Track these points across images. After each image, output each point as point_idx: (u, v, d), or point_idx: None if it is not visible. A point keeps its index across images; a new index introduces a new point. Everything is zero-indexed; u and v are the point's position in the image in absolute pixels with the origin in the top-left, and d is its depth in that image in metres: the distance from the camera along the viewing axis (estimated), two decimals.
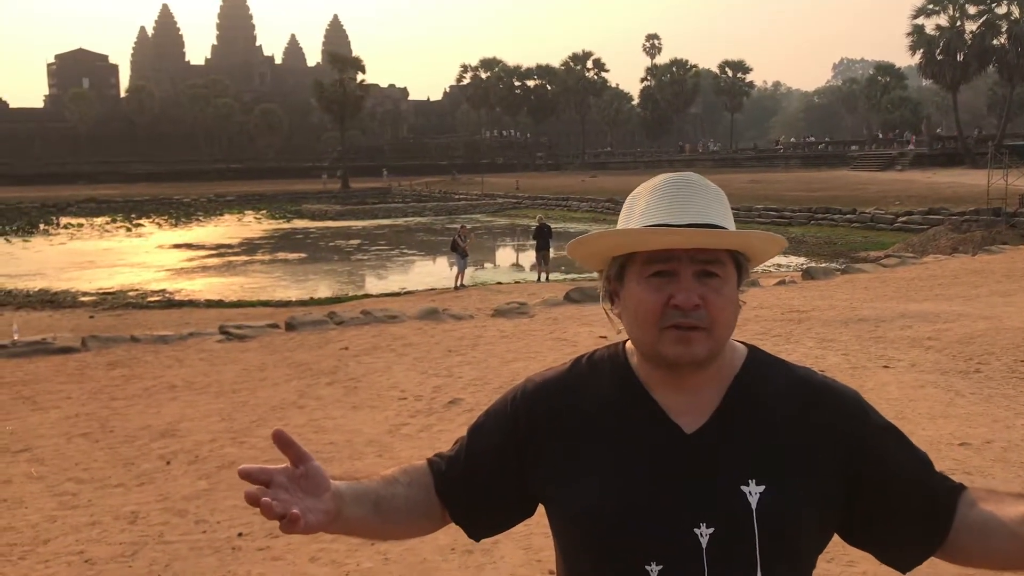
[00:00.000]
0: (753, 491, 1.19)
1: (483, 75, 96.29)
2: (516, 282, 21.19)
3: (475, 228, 29.58)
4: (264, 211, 50.88)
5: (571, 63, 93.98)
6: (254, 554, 4.46)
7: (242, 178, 77.17)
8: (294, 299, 18.77)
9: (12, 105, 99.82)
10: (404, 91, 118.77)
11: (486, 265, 26.59)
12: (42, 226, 42.35)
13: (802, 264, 20.82)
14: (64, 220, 45.34)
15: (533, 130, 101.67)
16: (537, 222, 22.20)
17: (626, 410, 1.27)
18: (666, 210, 1.21)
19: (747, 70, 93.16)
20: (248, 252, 31.28)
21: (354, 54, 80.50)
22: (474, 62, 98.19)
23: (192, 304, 18.34)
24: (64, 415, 7.18)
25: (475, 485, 1.36)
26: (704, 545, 1.18)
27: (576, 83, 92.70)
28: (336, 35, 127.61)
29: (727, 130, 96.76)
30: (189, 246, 33.17)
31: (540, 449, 1.30)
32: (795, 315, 11.11)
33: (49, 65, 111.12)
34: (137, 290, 21.19)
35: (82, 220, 45.23)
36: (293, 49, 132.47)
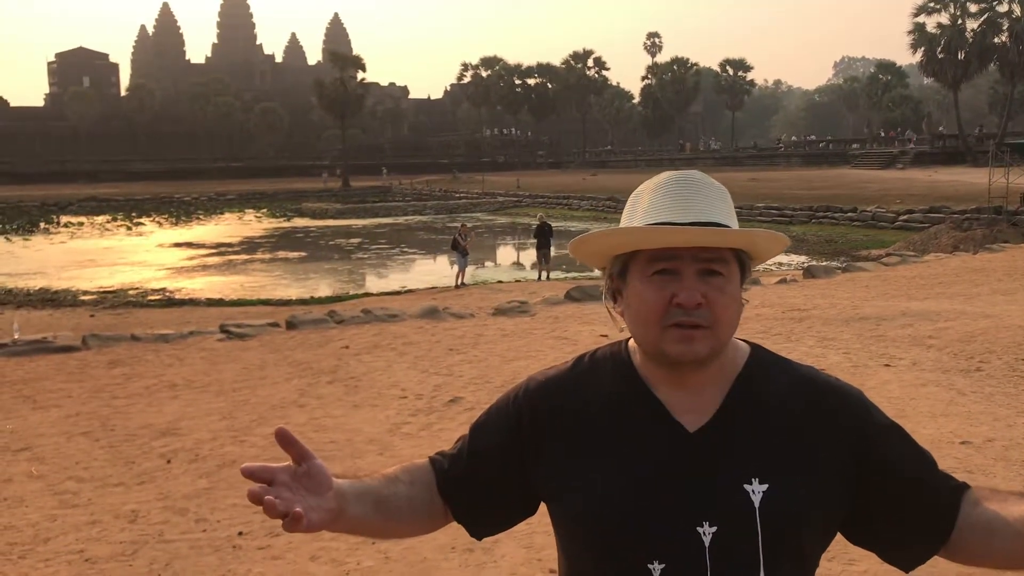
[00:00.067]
0: (756, 490, 1.18)
1: (484, 73, 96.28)
2: (517, 281, 21.19)
3: (476, 227, 29.61)
4: (264, 210, 50.86)
5: (572, 61, 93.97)
6: (254, 553, 4.46)
7: (242, 177, 77.16)
8: (294, 298, 18.77)
9: (12, 104, 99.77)
10: (405, 89, 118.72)
11: (487, 264, 26.58)
12: (42, 225, 42.35)
13: (803, 263, 20.81)
14: (64, 219, 45.34)
15: (534, 128, 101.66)
16: (538, 221, 22.20)
17: (629, 408, 1.26)
18: (669, 208, 1.21)
19: (748, 68, 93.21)
20: (248, 251, 31.28)
21: (355, 52, 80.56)
22: (475, 60, 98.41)
23: (192, 303, 18.34)
24: (65, 414, 7.18)
25: (477, 483, 1.36)
26: (707, 544, 1.17)
27: (577, 81, 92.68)
28: (337, 33, 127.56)
29: (728, 128, 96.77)
30: (189, 245, 33.16)
31: (542, 447, 1.30)
32: (796, 314, 11.10)
33: (49, 64, 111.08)
34: (138, 289, 21.19)
35: (82, 219, 45.24)
36: (294, 47, 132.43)
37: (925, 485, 1.25)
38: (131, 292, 20.56)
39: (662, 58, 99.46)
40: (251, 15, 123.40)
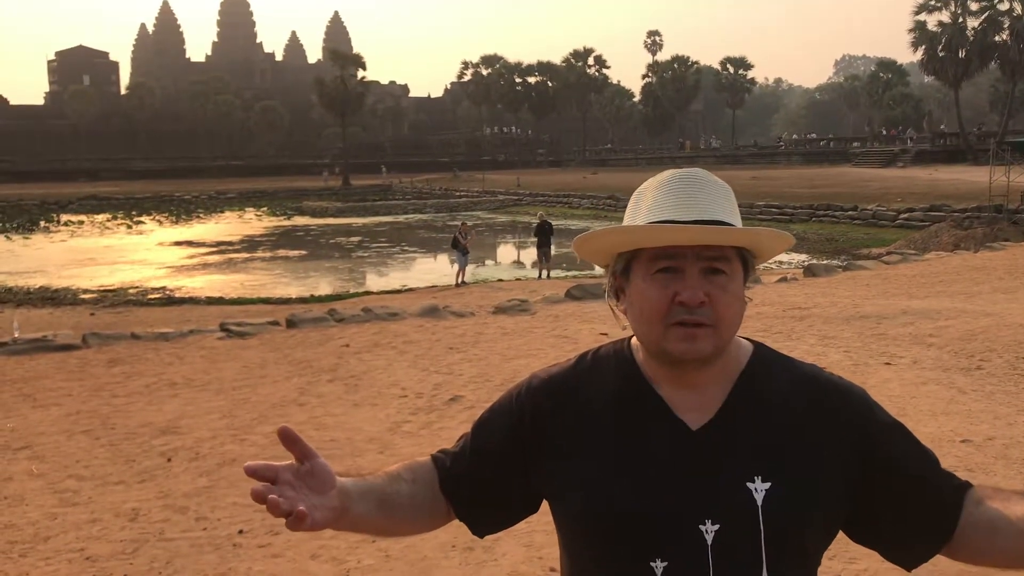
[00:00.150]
0: (759, 488, 1.18)
1: (484, 72, 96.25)
2: (517, 279, 21.19)
3: (476, 225, 29.55)
4: (265, 208, 50.84)
5: (572, 60, 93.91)
6: (255, 551, 4.46)
7: (243, 175, 77.13)
8: (295, 296, 18.78)
9: (13, 102, 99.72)
10: (405, 88, 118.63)
11: (487, 262, 26.58)
12: (43, 223, 42.34)
13: (804, 261, 20.81)
14: (65, 217, 45.34)
15: (534, 127, 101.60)
16: (538, 219, 22.21)
17: (631, 406, 1.26)
18: (672, 206, 1.21)
19: (748, 67, 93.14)
20: (249, 249, 31.28)
21: (355, 51, 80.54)
22: (475, 59, 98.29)
23: (193, 301, 18.35)
24: (65, 412, 7.18)
25: (479, 481, 1.35)
26: (709, 542, 1.17)
27: (577, 80, 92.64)
28: (337, 32, 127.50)
29: (729, 127, 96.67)
30: (190, 243, 33.16)
31: (544, 445, 1.29)
32: (797, 312, 11.10)
33: (50, 62, 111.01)
34: (138, 287, 21.19)
35: (83, 217, 45.24)
36: (294, 46, 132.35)
37: (928, 483, 1.25)
38: (131, 291, 20.56)
39: (663, 56, 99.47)
40: (251, 13, 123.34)
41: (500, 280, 20.79)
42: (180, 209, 50.35)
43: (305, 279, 23.53)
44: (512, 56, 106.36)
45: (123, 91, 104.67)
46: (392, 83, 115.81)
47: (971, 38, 55.90)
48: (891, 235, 26.33)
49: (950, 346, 8.80)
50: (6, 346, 9.71)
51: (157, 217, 45.89)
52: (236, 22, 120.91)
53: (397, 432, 6.49)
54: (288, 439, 1.19)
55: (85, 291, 20.45)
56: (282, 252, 30.46)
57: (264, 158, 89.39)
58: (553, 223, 22.51)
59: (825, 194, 34.54)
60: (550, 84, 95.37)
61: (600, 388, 1.29)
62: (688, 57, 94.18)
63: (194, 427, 6.67)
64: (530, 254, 24.96)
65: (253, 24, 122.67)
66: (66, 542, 4.64)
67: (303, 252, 30.45)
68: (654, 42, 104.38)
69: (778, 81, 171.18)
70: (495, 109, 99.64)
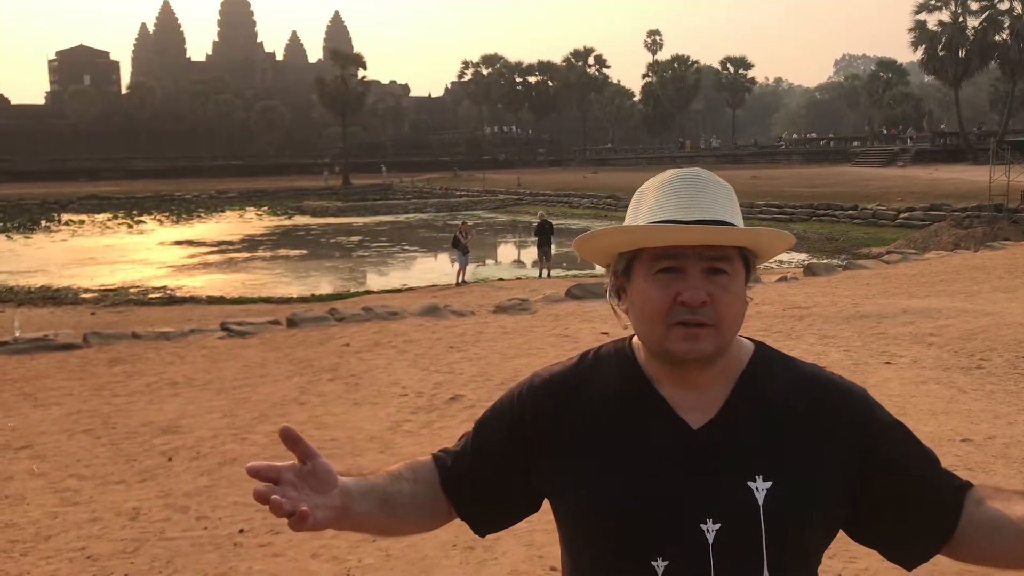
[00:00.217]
0: (760, 487, 1.18)
1: (484, 71, 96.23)
2: (517, 278, 21.18)
3: (476, 224, 29.55)
4: (266, 207, 50.82)
5: (572, 59, 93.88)
6: (255, 550, 4.46)
7: (243, 175, 77.08)
8: (295, 296, 18.78)
9: (13, 102, 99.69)
10: (405, 87, 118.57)
11: (487, 261, 26.58)
12: (44, 223, 42.32)
13: (804, 260, 20.80)
14: (66, 217, 45.30)
15: (534, 126, 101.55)
16: (538, 218, 22.22)
17: (632, 405, 1.26)
18: (674, 206, 1.21)
19: (749, 66, 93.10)
20: (249, 249, 31.27)
21: (355, 50, 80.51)
22: (475, 58, 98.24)
23: (193, 301, 18.35)
24: (66, 412, 7.18)
25: (481, 480, 1.36)
26: (710, 541, 1.17)
27: (577, 79, 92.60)
28: (337, 31, 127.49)
29: (729, 126, 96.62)
30: (190, 243, 33.15)
31: (545, 444, 1.30)
32: (797, 311, 11.10)
33: (50, 62, 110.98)
34: (138, 287, 21.19)
35: (83, 217, 45.22)
36: (294, 45, 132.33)
37: (928, 483, 1.25)
38: (132, 290, 20.56)
39: (663, 56, 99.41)
40: (252, 13, 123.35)
41: (500, 279, 20.80)
42: (181, 209, 50.32)
43: (306, 278, 23.53)
44: (512, 56, 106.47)
45: (124, 91, 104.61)
46: (393, 83, 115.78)
47: (971, 37, 55.91)
48: (891, 234, 26.32)
49: (950, 345, 8.81)
50: (7, 345, 9.72)
51: (158, 216, 45.86)
52: (237, 22, 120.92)
53: (397, 431, 6.49)
54: (290, 439, 1.19)
55: (86, 290, 20.45)
56: (283, 251, 30.46)
57: (265, 158, 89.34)
58: (553, 222, 22.51)
59: (825, 193, 34.53)
60: (550, 84, 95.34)
61: (601, 387, 1.29)
62: (688, 57, 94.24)
63: (195, 426, 6.67)
64: (530, 253, 24.96)
65: (254, 24, 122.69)
66: (67, 541, 4.64)
67: (304, 251, 30.45)
68: (654, 42, 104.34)
69: (778, 80, 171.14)
70: (495, 109, 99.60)
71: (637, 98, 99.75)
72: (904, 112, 75.03)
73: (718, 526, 1.18)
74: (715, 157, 72.54)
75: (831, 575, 3.89)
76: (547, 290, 14.59)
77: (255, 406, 7.25)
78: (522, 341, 9.79)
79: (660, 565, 1.18)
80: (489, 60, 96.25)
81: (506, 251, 31.15)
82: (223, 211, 49.80)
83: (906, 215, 28.15)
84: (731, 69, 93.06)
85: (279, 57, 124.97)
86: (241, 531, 4.68)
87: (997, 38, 55.60)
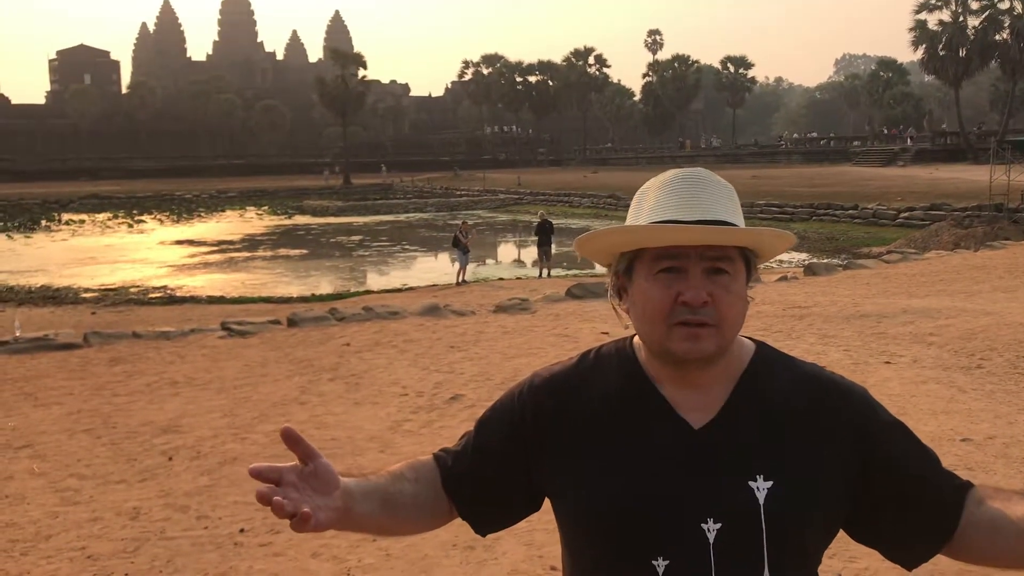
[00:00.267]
0: (761, 487, 1.19)
1: (485, 71, 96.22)
2: (518, 278, 21.19)
3: (477, 224, 29.56)
4: (266, 207, 50.80)
5: (573, 59, 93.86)
6: (256, 550, 4.47)
7: (244, 174, 77.08)
8: (296, 295, 18.78)
9: (14, 101, 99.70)
10: (406, 87, 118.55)
11: (488, 261, 26.58)
12: (44, 222, 42.31)
13: (804, 260, 20.80)
14: (66, 216, 45.28)
15: (535, 126, 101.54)
16: (539, 218, 22.23)
17: (634, 405, 1.26)
18: (675, 206, 1.21)
19: (749, 66, 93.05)
20: (250, 248, 31.27)
21: (356, 50, 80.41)
22: (476, 58, 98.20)
23: (194, 300, 18.35)
24: (66, 411, 7.19)
25: (482, 480, 1.36)
26: (711, 541, 1.18)
27: (578, 79, 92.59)
28: (338, 31, 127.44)
29: (729, 126, 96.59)
30: (191, 242, 33.15)
31: (546, 443, 1.30)
32: (797, 311, 11.10)
33: (51, 61, 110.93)
34: (139, 286, 21.19)
35: (84, 216, 45.21)
36: (295, 45, 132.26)
37: (929, 483, 1.25)
38: (132, 290, 20.56)
39: (663, 56, 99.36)
40: (252, 12, 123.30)
41: (501, 279, 20.80)
42: (181, 208, 50.31)
43: (306, 278, 23.53)
44: (513, 55, 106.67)
45: (124, 90, 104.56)
46: (393, 82, 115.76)
47: (971, 37, 55.89)
48: (891, 234, 26.32)
49: (950, 345, 8.81)
50: (7, 345, 9.72)
51: (158, 216, 45.85)
52: (237, 21, 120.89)
53: (398, 431, 6.49)
54: (291, 440, 1.19)
55: (86, 290, 20.45)
56: (283, 251, 30.46)
57: (265, 157, 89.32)
58: (553, 222, 22.51)
59: (825, 193, 34.52)
60: (551, 83, 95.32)
61: (602, 387, 1.29)
62: (688, 56, 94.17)
63: (195, 426, 6.68)
64: (531, 253, 24.96)
65: (254, 23, 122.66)
66: (67, 541, 4.64)
67: (304, 251, 30.45)
68: (654, 41, 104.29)
69: (778, 80, 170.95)
70: (496, 108, 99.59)
71: (637, 98, 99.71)
72: (904, 112, 75.02)
73: (719, 526, 1.18)
74: (715, 157, 72.50)
75: (831, 575, 3.89)
76: (547, 290, 14.60)
77: (255, 406, 7.25)
78: (522, 341, 9.79)
79: (661, 564, 1.18)
80: (489, 60, 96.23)
81: (506, 250, 31.15)
82: (223, 211, 49.79)
83: (906, 215, 28.16)
84: (731, 69, 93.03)
85: (279, 57, 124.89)
86: (242, 530, 4.68)
87: (997, 37, 55.57)
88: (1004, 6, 55.23)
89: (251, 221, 43.74)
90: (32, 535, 4.72)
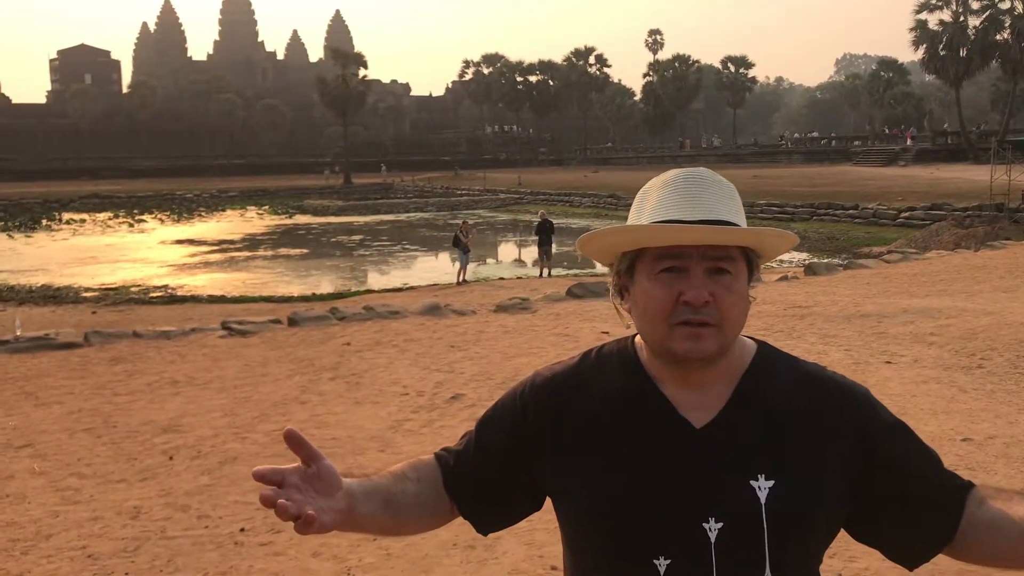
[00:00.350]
0: (762, 486, 1.18)
1: (485, 71, 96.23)
2: (518, 278, 21.20)
3: (477, 223, 29.58)
4: (266, 207, 50.81)
5: (573, 58, 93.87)
6: (256, 549, 4.47)
7: (244, 174, 77.07)
8: (296, 295, 18.80)
9: (14, 101, 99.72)
10: (406, 87, 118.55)
11: (488, 261, 26.59)
12: (45, 222, 42.33)
13: (805, 260, 20.79)
14: (67, 216, 45.30)
15: (535, 126, 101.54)
16: (539, 218, 22.22)
17: (635, 404, 1.26)
18: (677, 206, 1.21)
19: (749, 65, 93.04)
20: (250, 248, 31.29)
21: (356, 50, 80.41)
22: (476, 58, 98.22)
23: (194, 300, 18.36)
24: (67, 411, 7.19)
25: (483, 479, 1.36)
26: (712, 540, 1.18)
27: (578, 79, 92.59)
28: (338, 30, 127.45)
29: (729, 126, 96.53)
30: (191, 242, 33.16)
31: (548, 443, 1.30)
32: (797, 311, 11.10)
33: (51, 61, 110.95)
34: (139, 286, 21.21)
35: (84, 216, 45.23)
36: (295, 45, 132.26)
37: (930, 483, 1.25)
38: (133, 289, 20.58)
39: (663, 55, 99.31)
40: (253, 12, 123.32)
41: (501, 278, 20.81)
42: (182, 207, 50.31)
43: (307, 277, 23.55)
44: (513, 55, 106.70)
45: (125, 90, 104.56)
46: (393, 82, 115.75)
47: (972, 37, 55.84)
48: (892, 234, 26.31)
49: (951, 345, 8.80)
50: (8, 344, 9.72)
51: (159, 215, 45.86)
52: (238, 21, 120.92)
53: (398, 430, 6.49)
54: (294, 442, 1.19)
55: (87, 289, 20.46)
56: (284, 250, 30.46)
57: (266, 157, 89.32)
58: (554, 221, 22.51)
59: (826, 193, 34.51)
60: (551, 83, 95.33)
61: (604, 386, 1.29)
62: (689, 56, 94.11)
63: (196, 425, 6.68)
64: (531, 252, 24.97)
65: (255, 23, 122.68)
66: (68, 540, 4.64)
67: (304, 250, 30.46)
68: (655, 41, 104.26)
69: (779, 80, 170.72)
70: (496, 108, 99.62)
71: (638, 97, 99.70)
72: (905, 111, 74.98)
73: (720, 525, 1.18)
74: (716, 156, 72.46)
75: (831, 575, 3.89)
76: (548, 289, 14.60)
77: (256, 405, 7.25)
78: (523, 340, 9.79)
79: (662, 564, 1.18)
80: (490, 59, 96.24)
81: (507, 250, 31.16)
82: (224, 210, 49.80)
83: (907, 214, 28.15)
84: (732, 68, 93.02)
85: (280, 56, 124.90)
86: (242, 530, 4.68)
87: (998, 37, 55.52)
88: (1005, 6, 55.21)
89: (252, 220, 43.75)
90: (33, 534, 4.72)
